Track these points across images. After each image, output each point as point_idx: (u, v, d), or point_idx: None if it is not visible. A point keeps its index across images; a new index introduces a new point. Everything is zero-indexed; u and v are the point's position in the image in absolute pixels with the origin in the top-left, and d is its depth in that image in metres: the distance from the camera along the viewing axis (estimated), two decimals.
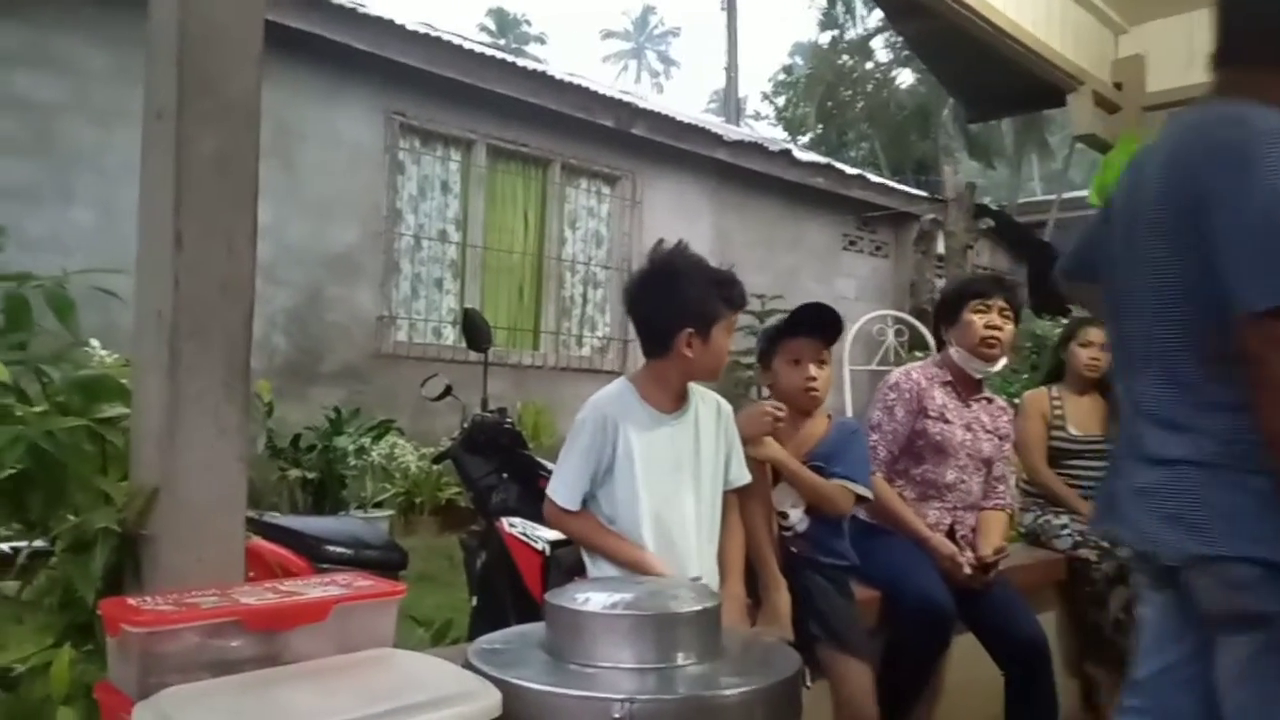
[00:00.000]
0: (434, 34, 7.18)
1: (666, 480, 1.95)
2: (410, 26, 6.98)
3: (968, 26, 3.22)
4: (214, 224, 1.45)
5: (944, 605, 2.33)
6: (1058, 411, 3.39)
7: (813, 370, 2.28)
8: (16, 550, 1.48)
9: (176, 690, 1.10)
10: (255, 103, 1.51)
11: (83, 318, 1.68)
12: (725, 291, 1.96)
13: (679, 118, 9.03)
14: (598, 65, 42.79)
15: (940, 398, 2.69)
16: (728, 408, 2.14)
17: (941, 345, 2.85)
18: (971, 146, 21.44)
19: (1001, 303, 2.69)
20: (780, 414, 2.19)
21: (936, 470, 2.65)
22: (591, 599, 1.52)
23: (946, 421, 2.67)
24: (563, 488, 1.96)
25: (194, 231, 1.42)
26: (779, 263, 9.68)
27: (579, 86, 8.13)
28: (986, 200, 16.38)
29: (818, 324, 2.30)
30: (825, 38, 25.35)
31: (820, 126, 24.60)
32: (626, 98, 9.15)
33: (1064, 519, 3.26)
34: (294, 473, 5.83)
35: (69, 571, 1.35)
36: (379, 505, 6.06)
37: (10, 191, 5.41)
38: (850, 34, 24.49)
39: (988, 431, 2.73)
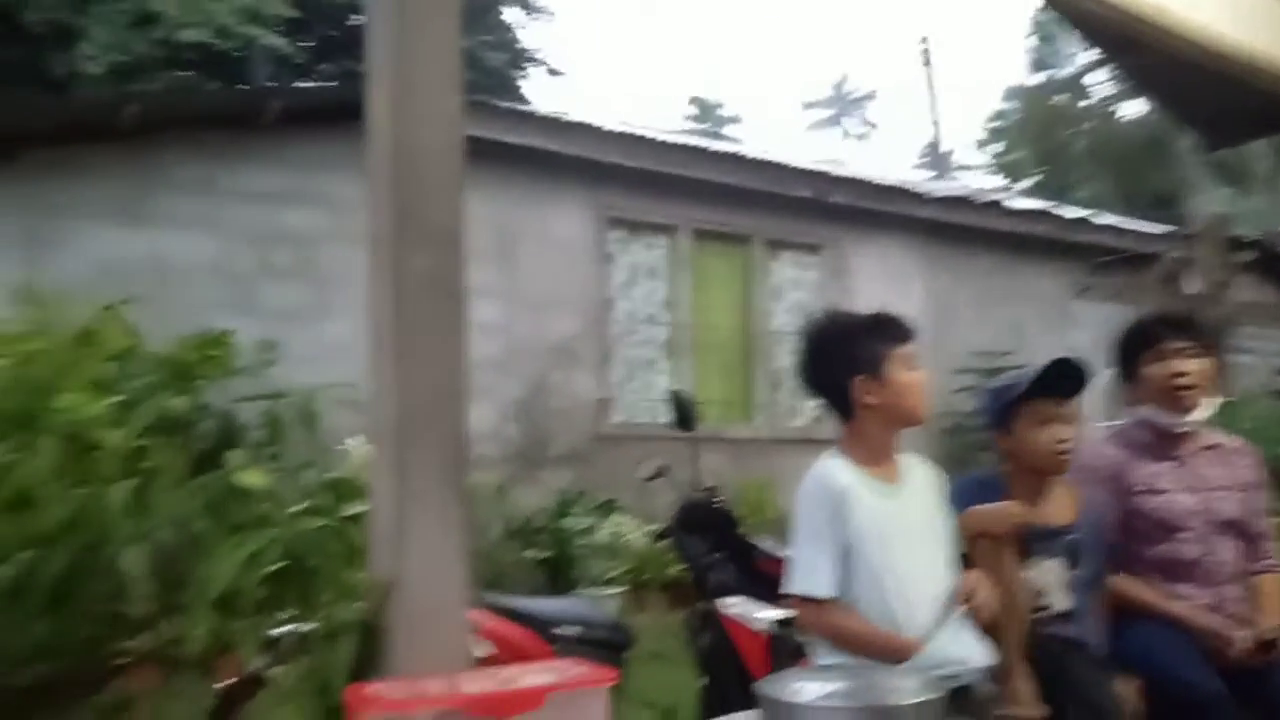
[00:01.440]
0: (632, 131, 7.58)
1: (902, 555, 1.87)
2: (609, 127, 7.41)
3: (1191, 55, 2.97)
4: (428, 338, 1.59)
5: (1211, 691, 2.04)
6: None
7: (1063, 432, 2.10)
8: (279, 637, 1.65)
9: None
10: (460, 223, 1.66)
11: (341, 419, 1.89)
12: (882, 329, 1.92)
13: (878, 181, 8.91)
14: (800, 137, 43.17)
15: (1146, 466, 2.35)
16: (942, 476, 2.05)
17: (1132, 402, 2.50)
18: (1219, 173, 19.49)
19: (1176, 344, 2.34)
20: (1024, 517, 2.02)
21: (1171, 548, 2.30)
22: (804, 689, 1.48)
23: (1161, 491, 2.32)
24: (816, 575, 1.82)
25: (411, 345, 1.57)
26: (1002, 318, 9.16)
27: (773, 163, 8.24)
28: (1241, 231, 14.77)
29: (1065, 380, 2.12)
30: (1037, 79, 24.22)
31: (1041, 171, 23.34)
32: (823, 168, 9.15)
33: None
34: (529, 553, 6.12)
35: (321, 660, 1.49)
36: (610, 583, 6.21)
37: (281, 313, 6.20)
38: (1064, 73, 23.26)
39: (1223, 488, 2.35)
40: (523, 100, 12.84)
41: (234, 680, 1.92)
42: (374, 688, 1.31)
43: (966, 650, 1.78)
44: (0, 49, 10.70)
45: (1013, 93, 26.89)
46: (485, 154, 6.75)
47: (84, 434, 1.78)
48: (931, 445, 8.00)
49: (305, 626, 1.60)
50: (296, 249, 6.46)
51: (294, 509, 1.67)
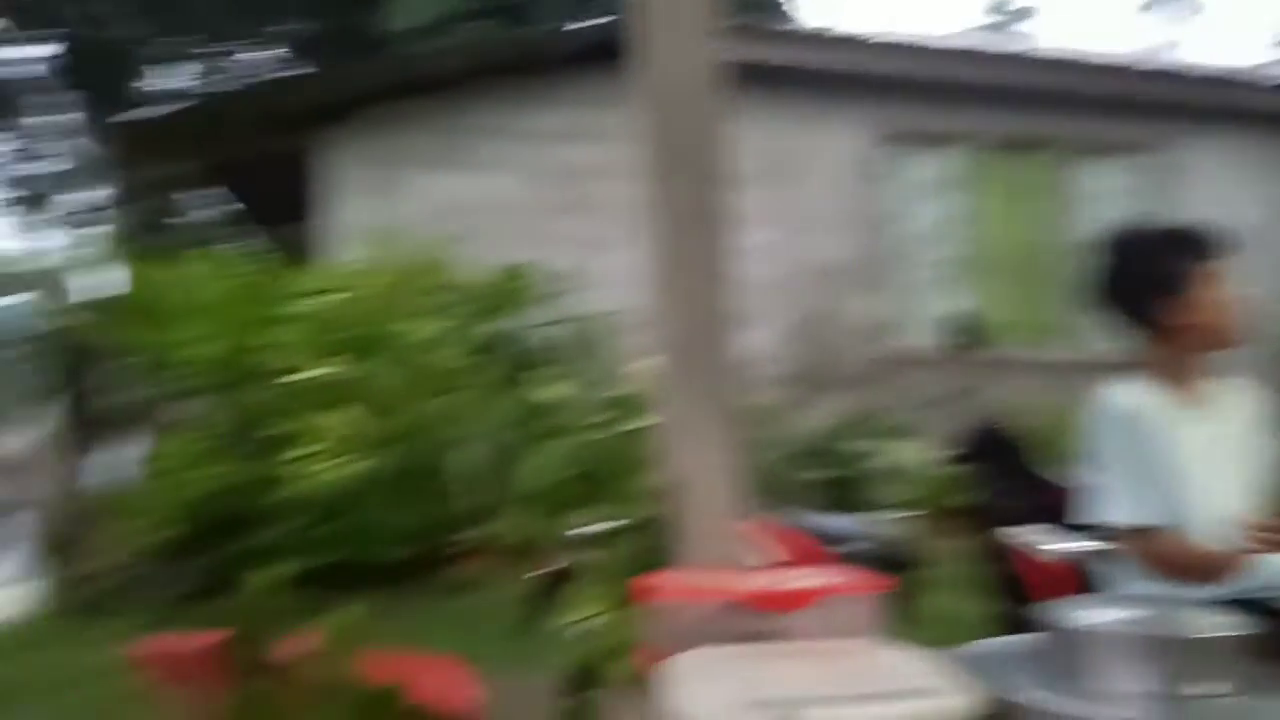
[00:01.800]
0: (903, 41, 7.17)
1: (1206, 480, 1.73)
2: (879, 39, 7.06)
3: None
4: (691, 267, 1.70)
5: None
6: None
7: None
8: (582, 535, 1.87)
9: (695, 654, 1.32)
10: (718, 156, 1.73)
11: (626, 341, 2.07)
12: (1186, 244, 1.73)
13: (1204, 70, 7.73)
14: (1129, 21, 38.00)
15: None
16: (1263, 399, 1.84)
17: None
18: None
19: None
20: None
21: None
22: (1091, 615, 1.43)
23: None
24: (1123, 502, 1.75)
25: (676, 275, 1.68)
26: None
27: (1071, 60, 7.43)
28: None
29: None
30: None
31: None
32: (1131, 61, 8.10)
33: None
34: (812, 474, 6.22)
35: (620, 552, 1.68)
36: (896, 507, 6.16)
37: (579, 241, 6.68)
38: None
39: None
40: (790, 19, 12.50)
41: (545, 570, 2.20)
42: (658, 578, 1.46)
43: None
44: (319, 17, 12.12)
45: None
46: (752, 77, 6.69)
47: (416, 355, 2.09)
48: (1264, 370, 7.01)
49: (602, 525, 1.79)
50: (577, 184, 6.89)
51: (588, 421, 1.86)
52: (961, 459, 3.11)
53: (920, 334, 7.40)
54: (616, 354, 2.11)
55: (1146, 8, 35.98)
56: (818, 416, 6.70)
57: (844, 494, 6.17)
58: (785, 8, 14.60)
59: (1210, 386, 1.81)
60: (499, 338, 2.04)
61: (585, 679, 1.71)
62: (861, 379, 7.09)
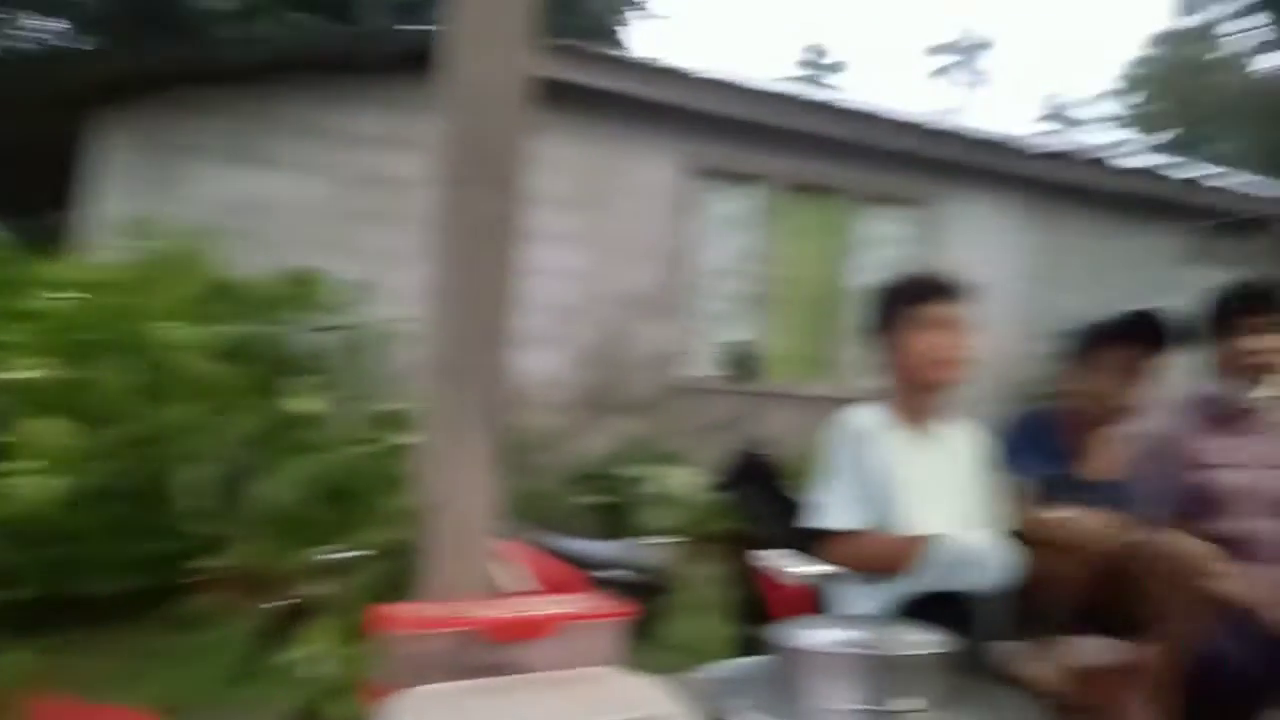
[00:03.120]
0: (724, 79, 7.47)
1: (922, 502, 1.87)
2: (700, 74, 7.32)
3: None
4: (476, 279, 1.66)
5: (1246, 665, 1.98)
6: None
7: (1127, 384, 2.09)
8: (328, 561, 1.78)
9: (420, 691, 1.28)
10: (524, 171, 1.72)
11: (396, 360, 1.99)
12: (904, 290, 1.90)
13: (978, 134, 8.55)
14: (914, 85, 41.54)
15: (1209, 440, 2.30)
16: (985, 440, 2.02)
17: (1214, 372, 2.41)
18: None
19: (1258, 318, 2.27)
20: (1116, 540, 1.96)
21: (1222, 525, 2.22)
22: (815, 636, 1.51)
23: (1221, 466, 2.26)
24: (833, 509, 1.88)
25: (458, 286, 1.64)
26: (1106, 281, 8.76)
27: (869, 113, 8.00)
28: None
29: (1142, 332, 2.07)
30: (1179, 26, 22.66)
31: (1173, 125, 21.96)
32: (922, 119, 8.83)
33: None
34: (588, 498, 6.28)
35: (359, 581, 1.60)
36: (664, 532, 6.32)
37: (380, 253, 6.44)
38: (1207, 19, 21.69)
39: (1277, 467, 2.27)
40: (621, 45, 12.76)
41: (284, 600, 2.07)
42: (391, 609, 1.40)
43: (982, 549, 1.76)
44: None
45: (1153, 39, 25.24)
46: (575, 99, 6.79)
47: (167, 358, 1.92)
48: (1010, 409, 7.80)
49: (347, 551, 1.71)
50: (393, 193, 6.67)
51: (343, 437, 1.78)
52: (723, 485, 3.24)
53: (704, 364, 7.68)
54: (387, 369, 2.03)
55: (941, 73, 39.59)
56: (599, 442, 6.79)
57: (614, 519, 6.27)
58: (618, 35, 14.88)
59: (939, 423, 1.96)
60: (257, 344, 1.91)
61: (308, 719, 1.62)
62: (645, 406, 7.26)
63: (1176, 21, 22.64)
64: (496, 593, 1.63)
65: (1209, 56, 21.03)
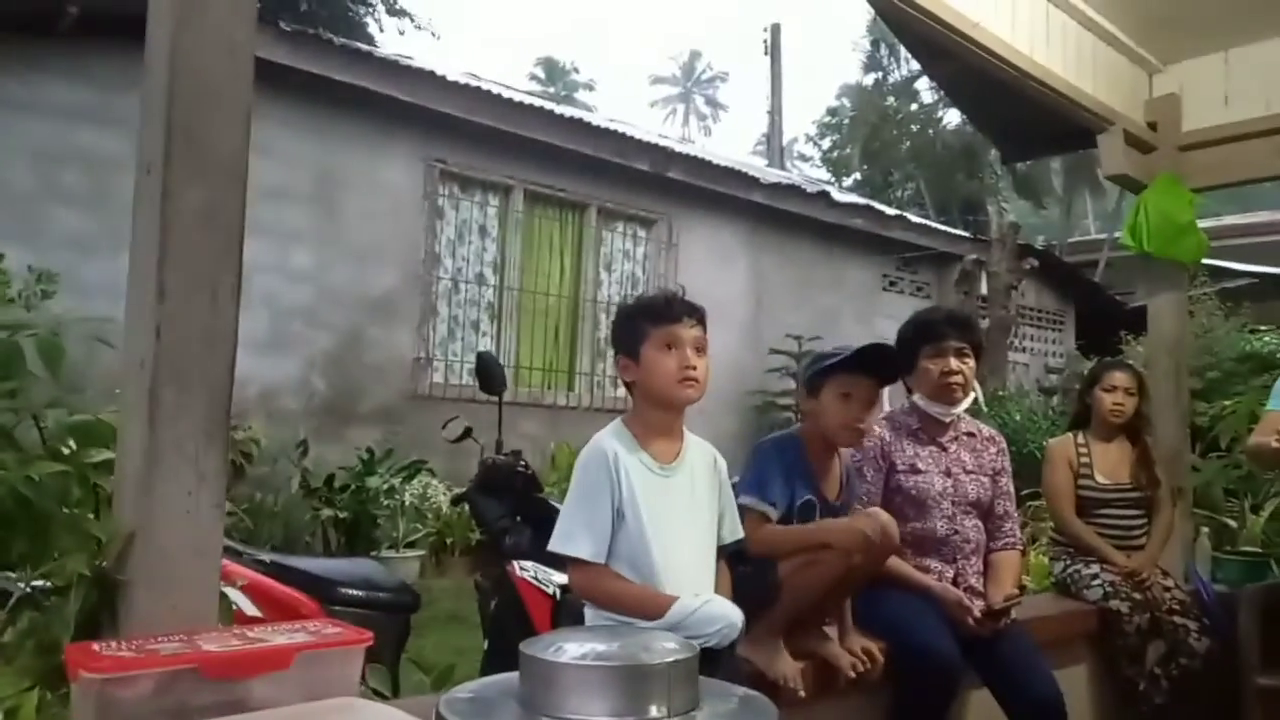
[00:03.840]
0: (474, 84, 7.38)
1: (666, 531, 1.92)
2: (451, 77, 7.18)
3: (993, 70, 3.19)
4: (198, 276, 1.49)
5: (948, 656, 2.24)
6: (1084, 459, 3.29)
7: (861, 410, 2.19)
8: (2, 593, 1.51)
9: None
10: (243, 159, 1.56)
11: (99, 364, 1.74)
12: (645, 309, 1.97)
13: (715, 161, 9.12)
14: (646, 111, 43.42)
15: (910, 448, 2.59)
16: (723, 462, 2.11)
17: (909, 390, 2.73)
18: (1019, 186, 21.23)
19: (956, 343, 2.57)
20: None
21: (925, 525, 2.52)
22: (564, 648, 1.50)
23: (919, 472, 2.56)
24: (587, 538, 1.85)
25: (177, 283, 1.46)
26: (817, 303, 9.65)
27: (615, 132, 8.27)
28: (1037, 240, 16.18)
29: (878, 364, 2.22)
30: (869, 80, 25.44)
31: (864, 168, 24.61)
32: (663, 142, 9.27)
33: (1094, 569, 3.15)
34: (327, 512, 5.92)
35: (48, 615, 1.38)
36: (411, 545, 6.11)
37: (71, 241, 5.65)
38: (895, 76, 24.55)
39: (970, 473, 2.61)
40: (364, 39, 12.22)
41: None
42: (98, 645, 1.22)
43: (721, 609, 1.85)
44: None
45: (846, 90, 28.16)
46: (312, 90, 6.39)
47: None
48: (744, 420, 8.35)
49: (31, 581, 1.47)
50: (91, 173, 5.89)
51: (33, 454, 1.53)
52: (472, 495, 3.18)
53: (450, 372, 7.53)
54: (80, 373, 1.77)
55: (683, 99, 41.72)
56: (337, 452, 6.44)
57: (354, 533, 5.98)
58: (364, 27, 14.19)
59: (679, 443, 2.02)
60: None
61: None
62: (391, 415, 6.99)
63: (863, 76, 25.53)
64: (219, 624, 1.47)
65: (894, 108, 23.85)
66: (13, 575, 1.51)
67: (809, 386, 2.27)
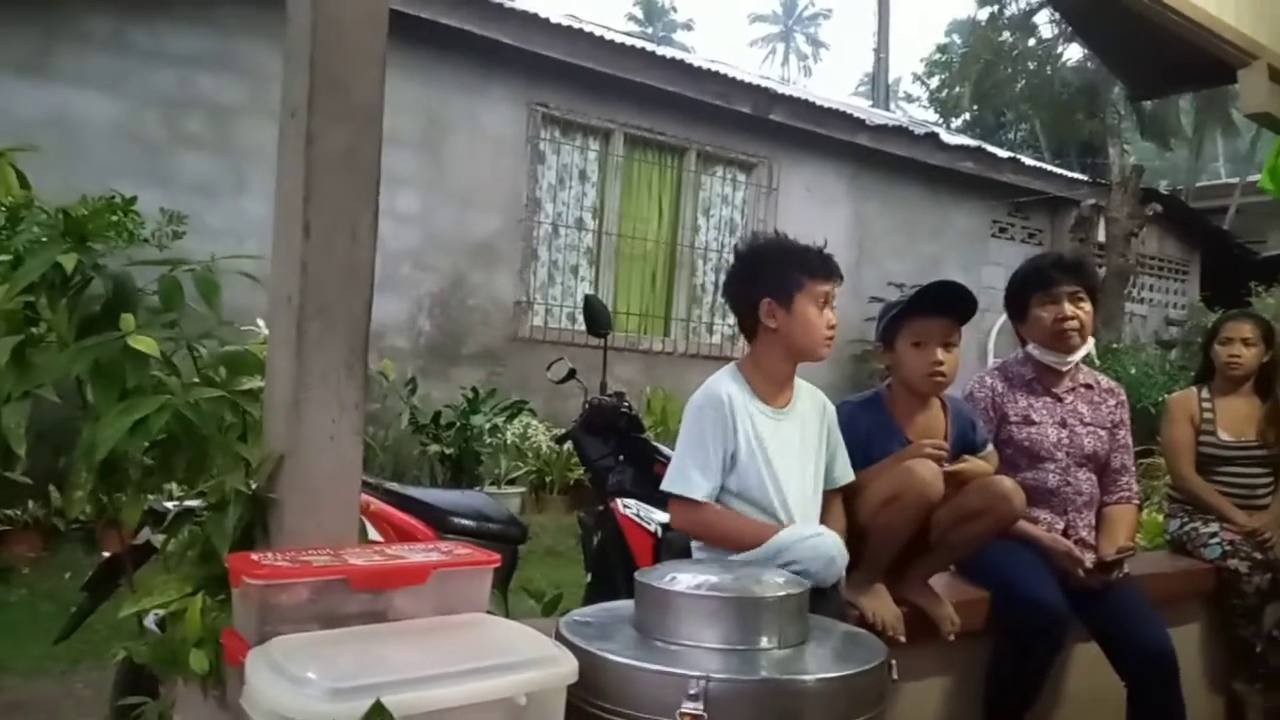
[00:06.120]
0: (575, 26, 7.36)
1: (782, 470, 1.96)
2: (553, 19, 7.17)
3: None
4: (339, 215, 1.57)
5: (1054, 607, 2.22)
6: (1207, 414, 3.16)
7: (939, 354, 2.13)
8: (168, 510, 1.66)
9: (286, 639, 1.22)
10: (379, 102, 1.62)
11: (247, 300, 1.85)
12: (805, 260, 1.96)
13: (817, 102, 8.88)
14: (745, 50, 42.42)
15: (1023, 399, 2.52)
16: (831, 407, 2.13)
17: (1022, 340, 2.65)
18: (1144, 126, 19.97)
19: (1070, 287, 2.47)
20: (943, 452, 2.07)
21: (1036, 476, 2.47)
22: (679, 579, 1.56)
23: (1033, 423, 2.50)
24: (701, 479, 1.88)
25: (320, 222, 1.54)
26: (921, 250, 9.40)
27: (715, 73, 8.13)
28: (1161, 184, 15.28)
29: (946, 302, 2.15)
30: (984, 14, 24.18)
31: (975, 108, 23.55)
32: (764, 83, 9.07)
33: (1213, 527, 3.05)
34: (434, 448, 6.16)
35: (207, 528, 1.50)
36: (512, 482, 6.32)
37: (195, 185, 5.93)
38: (1011, 9, 23.27)
39: (1087, 424, 2.53)
40: None
41: (120, 549, 1.92)
42: (257, 555, 1.33)
43: (832, 543, 1.88)
44: None
45: (958, 26, 26.87)
46: (416, 35, 6.48)
47: None
48: (842, 371, 8.26)
49: (194, 498, 1.60)
50: (212, 119, 6.15)
51: (189, 380, 1.65)
52: (577, 434, 3.27)
53: (555, 316, 7.66)
54: (227, 307, 1.89)
55: (783, 37, 40.60)
56: (446, 391, 6.67)
57: (464, 468, 6.21)
58: None
59: (791, 389, 2.04)
60: (80, 275, 1.73)
61: (155, 673, 1.52)
62: (494, 356, 7.18)
63: (977, 10, 24.23)
64: (353, 542, 1.58)
65: (1009, 44, 22.64)
66: (181, 492, 1.66)
67: (884, 340, 2.23)
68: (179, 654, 1.39)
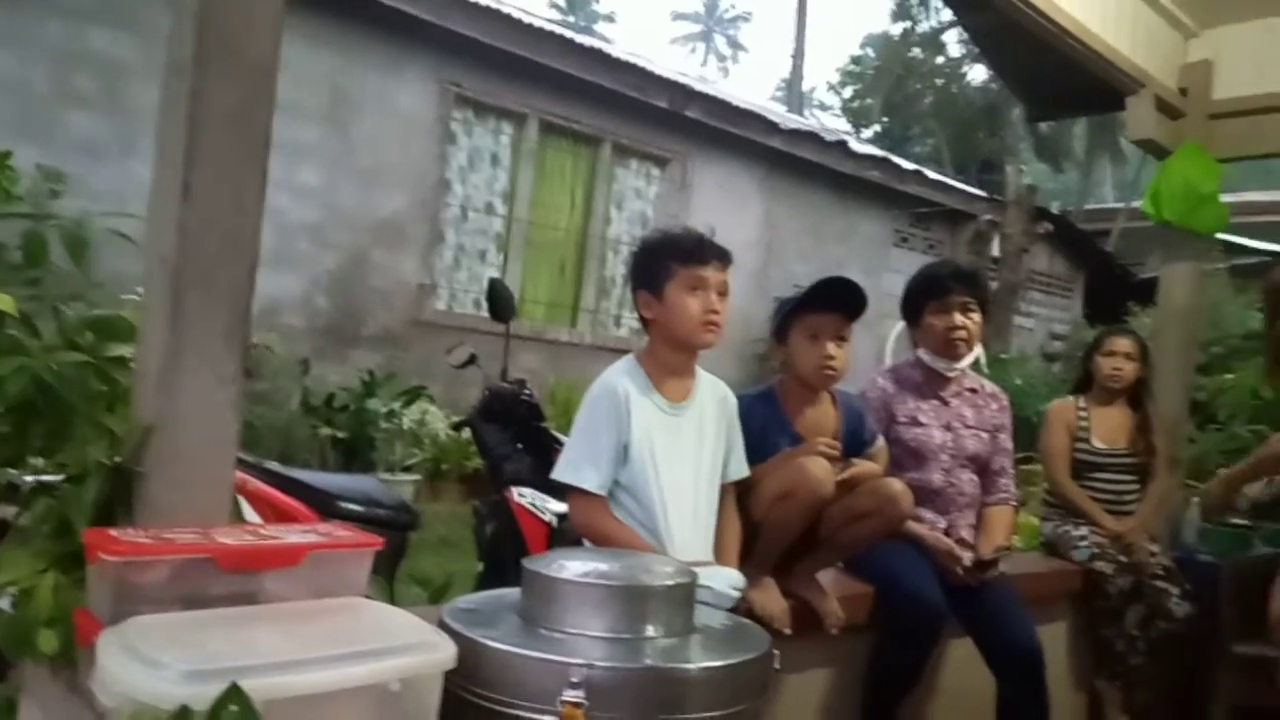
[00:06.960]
0: (493, 6, 7.23)
1: (673, 468, 1.96)
2: None
3: (1029, 23, 3.13)
4: (223, 178, 1.49)
5: (934, 603, 2.29)
6: (1083, 423, 3.32)
7: (831, 348, 2.15)
8: (25, 483, 1.55)
9: (143, 619, 1.15)
10: (274, 63, 1.55)
11: (129, 266, 1.74)
12: (676, 248, 1.95)
13: (733, 102, 8.97)
14: (666, 47, 42.57)
15: (912, 401, 2.61)
16: (733, 400, 2.14)
17: (915, 344, 2.74)
18: (1039, 148, 20.93)
19: (962, 297, 2.57)
20: (834, 451, 2.09)
21: (921, 476, 2.55)
22: (566, 566, 1.54)
23: (920, 425, 2.58)
24: (591, 470, 1.87)
25: (202, 183, 1.46)
26: (827, 254, 9.60)
27: (633, 65, 8.12)
28: (1052, 204, 16.03)
29: (840, 298, 2.18)
30: (897, 29, 24.91)
31: (885, 120, 24.25)
32: (681, 79, 9.11)
33: (1083, 530, 3.20)
34: (325, 431, 5.97)
35: (64, 501, 1.41)
36: (407, 469, 6.18)
37: (81, 145, 5.59)
38: (923, 27, 24.03)
39: (971, 427, 2.64)
40: None
41: None
42: (117, 531, 1.26)
43: (713, 580, 1.86)
44: None
45: (871, 40, 27.59)
46: (328, 4, 6.27)
47: None
48: (746, 369, 8.38)
49: (53, 471, 1.50)
50: (101, 76, 5.81)
51: (51, 343, 1.54)
52: (475, 420, 3.22)
53: (455, 301, 7.52)
54: (106, 273, 1.78)
55: (704, 37, 40.89)
56: (343, 373, 6.48)
57: (358, 453, 6.04)
58: None
59: (691, 381, 2.04)
60: None
61: (4, 654, 1.42)
62: (394, 339, 7.01)
63: (891, 25, 24.96)
64: (225, 521, 1.51)
65: (919, 60, 23.39)
66: (38, 464, 1.55)
67: (778, 335, 2.25)
68: (29, 634, 1.30)
